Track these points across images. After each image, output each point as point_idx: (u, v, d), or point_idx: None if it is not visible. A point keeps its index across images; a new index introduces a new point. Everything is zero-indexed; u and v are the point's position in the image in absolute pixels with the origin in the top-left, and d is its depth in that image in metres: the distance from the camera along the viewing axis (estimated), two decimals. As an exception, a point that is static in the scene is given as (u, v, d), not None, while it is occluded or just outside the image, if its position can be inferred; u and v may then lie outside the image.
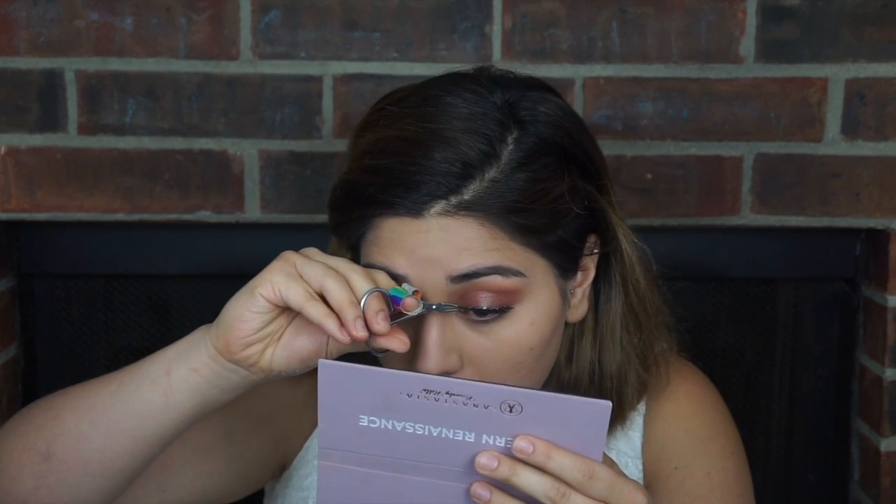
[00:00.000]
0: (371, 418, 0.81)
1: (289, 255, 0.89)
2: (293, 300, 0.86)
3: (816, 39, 1.40)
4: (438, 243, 0.90)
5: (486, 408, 0.79)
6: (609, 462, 0.83)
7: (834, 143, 1.43)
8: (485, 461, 0.80)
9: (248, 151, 1.42)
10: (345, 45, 1.40)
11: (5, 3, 1.38)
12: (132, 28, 1.39)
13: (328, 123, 1.41)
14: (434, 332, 0.92)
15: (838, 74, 1.41)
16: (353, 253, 0.98)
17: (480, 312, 0.92)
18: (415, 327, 0.92)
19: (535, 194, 0.92)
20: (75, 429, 0.93)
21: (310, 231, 1.38)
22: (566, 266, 0.97)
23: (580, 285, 1.01)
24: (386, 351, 0.89)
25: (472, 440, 0.80)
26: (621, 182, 1.41)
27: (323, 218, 1.02)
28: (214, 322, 0.90)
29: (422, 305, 0.90)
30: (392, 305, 0.88)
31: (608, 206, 1.00)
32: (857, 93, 1.41)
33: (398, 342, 0.87)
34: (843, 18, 1.40)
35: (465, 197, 0.90)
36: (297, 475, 1.11)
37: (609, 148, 1.41)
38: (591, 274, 1.01)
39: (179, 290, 1.55)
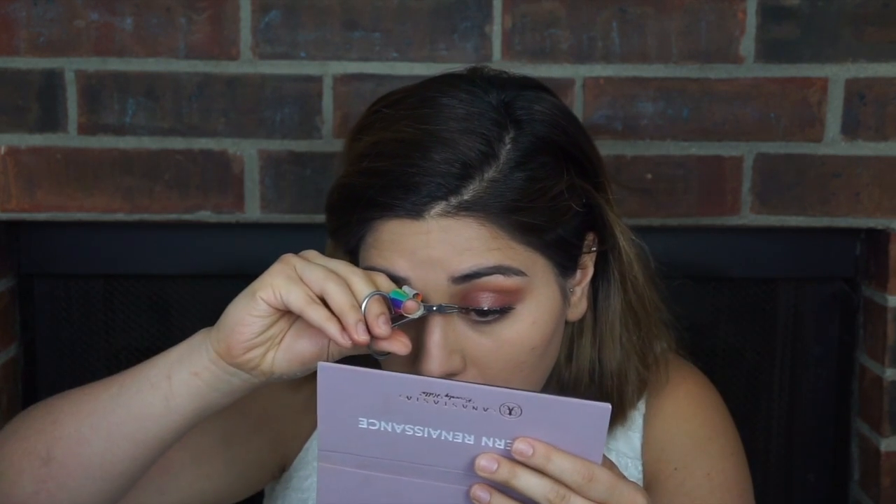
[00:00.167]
0: (370, 421, 0.81)
1: (289, 258, 0.89)
2: (294, 304, 0.86)
3: (816, 39, 1.40)
4: (439, 244, 0.90)
5: (486, 410, 0.79)
6: (609, 464, 0.83)
7: (834, 143, 1.43)
8: (484, 463, 0.80)
9: (248, 151, 1.42)
10: (345, 45, 1.40)
11: (5, 3, 1.38)
12: (132, 28, 1.39)
13: (328, 123, 1.41)
14: (436, 334, 0.92)
15: (838, 74, 1.41)
16: (352, 257, 0.98)
17: (482, 313, 0.92)
18: (416, 329, 0.92)
19: (534, 193, 0.92)
20: (76, 432, 0.93)
21: (310, 231, 1.38)
22: (566, 264, 0.97)
23: (579, 284, 1.01)
24: (388, 353, 0.89)
25: (471, 442, 0.80)
26: (621, 182, 1.40)
27: (323, 218, 1.02)
28: (215, 326, 0.90)
29: (423, 308, 0.90)
30: (393, 308, 0.88)
31: (605, 204, 1.00)
32: (857, 93, 1.41)
33: (400, 345, 0.87)
34: (843, 18, 1.40)
35: (465, 197, 0.90)
36: (297, 477, 1.11)
37: (609, 148, 1.41)
38: (590, 272, 1.02)
39: (179, 290, 1.55)
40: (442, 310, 0.91)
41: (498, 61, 1.39)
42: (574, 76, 1.41)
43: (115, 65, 1.40)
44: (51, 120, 1.40)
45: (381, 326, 0.85)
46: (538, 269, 0.94)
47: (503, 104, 0.95)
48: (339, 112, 1.41)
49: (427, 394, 0.79)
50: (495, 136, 0.92)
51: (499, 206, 0.90)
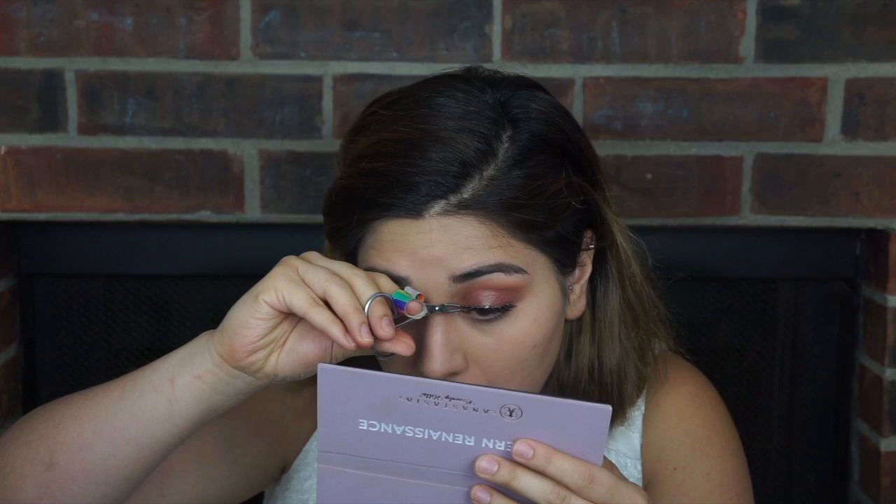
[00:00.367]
0: (371, 422, 0.81)
1: (291, 260, 0.89)
2: (297, 306, 0.86)
3: (816, 39, 1.40)
4: (440, 243, 0.90)
5: (486, 412, 0.79)
6: (609, 465, 0.83)
7: (834, 143, 1.43)
8: (485, 465, 0.80)
9: (248, 151, 1.42)
10: (345, 45, 1.40)
11: (5, 3, 1.38)
12: (132, 28, 1.39)
13: (328, 123, 1.41)
14: (438, 334, 0.92)
15: (838, 74, 1.41)
16: (350, 259, 0.98)
17: (483, 311, 0.92)
18: (418, 329, 0.92)
19: (533, 190, 0.92)
20: (78, 437, 0.92)
21: (310, 231, 1.37)
22: (565, 262, 0.97)
23: (578, 281, 1.01)
24: (391, 354, 0.89)
25: (472, 444, 0.80)
26: (621, 182, 1.41)
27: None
28: (218, 328, 0.90)
29: (425, 308, 0.90)
30: (395, 309, 0.88)
31: (602, 202, 1.00)
32: (857, 93, 1.41)
33: (403, 346, 0.87)
34: (843, 18, 1.40)
35: (465, 196, 0.90)
36: (297, 478, 1.11)
37: (609, 148, 1.41)
38: (589, 269, 1.02)
39: (179, 290, 1.55)
40: (445, 310, 0.91)
41: (498, 61, 1.39)
42: (574, 76, 1.41)
43: (115, 65, 1.40)
44: (51, 120, 1.40)
45: (385, 328, 0.85)
46: (538, 267, 0.94)
47: (499, 103, 0.95)
48: (339, 112, 1.41)
49: (427, 395, 0.79)
50: (493, 134, 0.92)
51: (498, 204, 0.90)
